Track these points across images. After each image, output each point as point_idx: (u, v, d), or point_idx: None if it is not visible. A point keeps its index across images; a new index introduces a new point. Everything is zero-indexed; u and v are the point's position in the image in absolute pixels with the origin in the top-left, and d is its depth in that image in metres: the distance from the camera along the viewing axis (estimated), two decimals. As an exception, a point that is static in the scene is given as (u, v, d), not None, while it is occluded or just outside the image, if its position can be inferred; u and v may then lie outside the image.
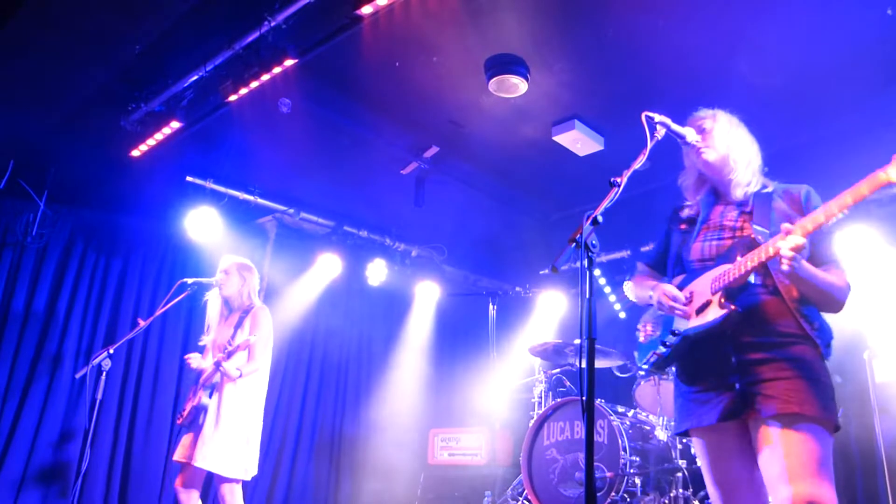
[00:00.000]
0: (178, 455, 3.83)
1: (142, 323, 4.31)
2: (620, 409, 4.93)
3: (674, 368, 2.34)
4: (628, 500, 4.43)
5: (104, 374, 4.11)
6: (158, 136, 4.70)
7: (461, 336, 7.97)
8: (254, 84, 4.06)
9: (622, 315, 6.90)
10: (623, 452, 4.45)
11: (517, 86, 4.32)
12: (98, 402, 4.12)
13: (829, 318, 2.14)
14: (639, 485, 4.45)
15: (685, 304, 2.17)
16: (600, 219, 1.88)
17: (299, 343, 6.70)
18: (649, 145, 2.15)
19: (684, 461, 4.59)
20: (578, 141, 4.99)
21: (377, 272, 6.90)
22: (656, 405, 4.96)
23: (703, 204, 2.36)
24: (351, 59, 4.20)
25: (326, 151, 5.45)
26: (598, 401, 4.76)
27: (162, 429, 5.69)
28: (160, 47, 4.13)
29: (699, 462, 2.21)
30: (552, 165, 5.56)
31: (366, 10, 3.51)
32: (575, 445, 4.73)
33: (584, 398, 1.74)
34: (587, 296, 1.83)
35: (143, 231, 6.01)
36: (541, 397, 5.63)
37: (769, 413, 1.95)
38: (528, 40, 4.05)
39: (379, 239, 7.00)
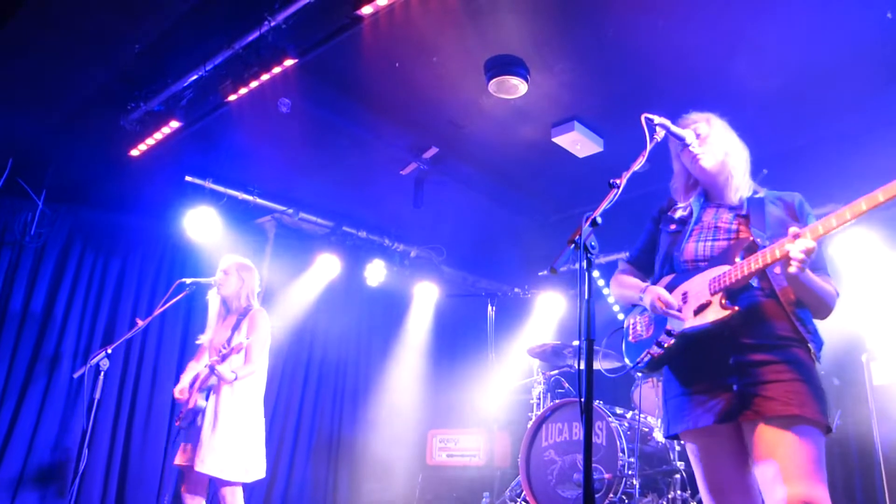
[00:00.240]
0: (179, 460, 3.83)
1: (140, 323, 4.30)
2: (619, 410, 4.94)
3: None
4: (626, 501, 4.43)
5: (102, 374, 4.10)
6: (158, 136, 4.70)
7: (460, 337, 7.97)
8: (253, 84, 4.06)
9: (621, 317, 6.86)
10: (621, 454, 4.45)
11: (517, 87, 4.31)
12: (96, 402, 4.10)
13: (827, 320, 2.15)
14: (637, 486, 4.45)
15: (679, 309, 2.17)
16: (599, 220, 1.88)
17: (298, 343, 6.69)
18: (649, 147, 2.16)
19: (682, 463, 4.60)
20: (578, 142, 4.99)
21: (376, 273, 6.90)
22: (654, 407, 4.96)
23: (695, 205, 2.36)
24: (351, 59, 4.19)
25: (326, 152, 5.44)
26: (596, 402, 4.77)
27: (160, 429, 5.69)
28: (160, 47, 4.13)
29: (693, 468, 2.21)
30: (552, 167, 5.56)
31: (366, 10, 3.51)
32: (573, 447, 4.73)
33: (582, 400, 1.74)
34: (586, 297, 1.83)
35: (142, 231, 6.01)
36: (539, 398, 5.63)
37: (769, 414, 1.96)
38: (527, 41, 4.05)
39: (378, 239, 7.00)
